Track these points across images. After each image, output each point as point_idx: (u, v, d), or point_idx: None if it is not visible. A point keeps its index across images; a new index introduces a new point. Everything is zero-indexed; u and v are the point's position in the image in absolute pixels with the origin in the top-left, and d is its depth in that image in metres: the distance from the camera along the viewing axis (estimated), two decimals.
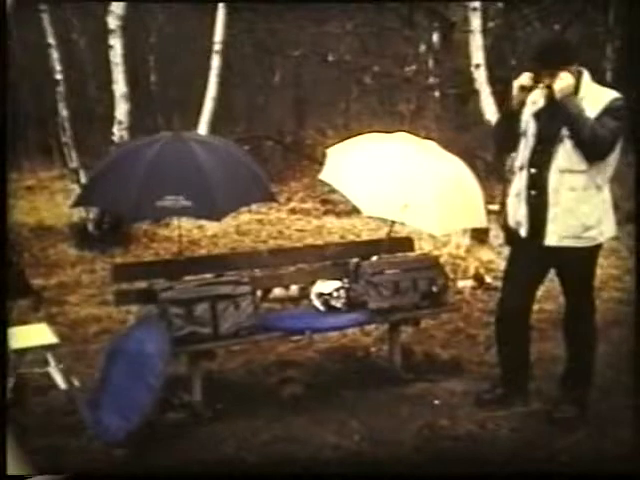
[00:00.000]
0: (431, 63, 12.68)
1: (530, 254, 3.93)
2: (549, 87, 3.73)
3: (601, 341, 4.17)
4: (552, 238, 3.79)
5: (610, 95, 3.73)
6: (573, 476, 3.46)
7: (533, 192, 3.84)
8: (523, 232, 3.90)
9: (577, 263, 3.90)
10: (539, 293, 4.34)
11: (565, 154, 3.74)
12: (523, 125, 3.91)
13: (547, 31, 10.73)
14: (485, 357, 4.93)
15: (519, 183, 3.92)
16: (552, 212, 3.77)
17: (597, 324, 4.08)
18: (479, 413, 4.07)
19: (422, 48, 13.13)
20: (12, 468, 3.18)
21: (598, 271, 4.17)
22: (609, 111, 3.67)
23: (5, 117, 3.55)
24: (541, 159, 3.80)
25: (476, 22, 8.27)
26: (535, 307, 5.59)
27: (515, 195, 3.95)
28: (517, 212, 3.93)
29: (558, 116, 3.74)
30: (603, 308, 5.39)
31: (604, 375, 4.31)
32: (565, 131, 3.72)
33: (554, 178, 3.76)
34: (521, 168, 3.91)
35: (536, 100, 3.89)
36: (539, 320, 5.30)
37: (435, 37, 12.50)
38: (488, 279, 6.75)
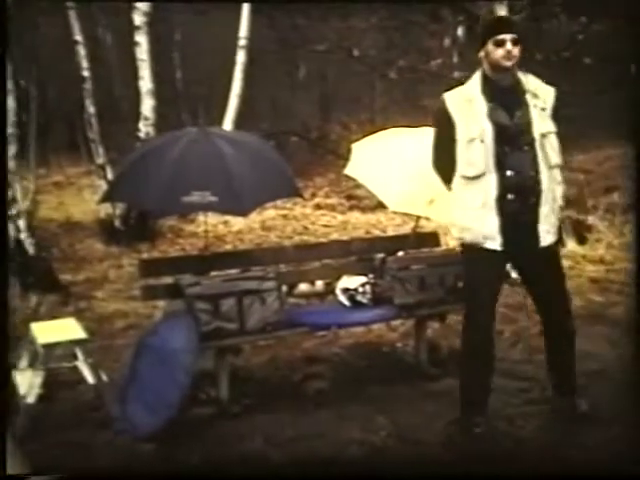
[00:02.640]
0: (456, 57, 12.60)
1: (497, 266, 3.69)
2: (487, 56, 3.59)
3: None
4: (547, 238, 3.63)
5: (550, 89, 3.68)
6: (599, 475, 3.42)
7: (510, 196, 3.55)
8: (495, 245, 3.59)
9: (556, 256, 3.82)
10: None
11: (552, 150, 3.60)
12: (474, 130, 3.55)
13: (573, 24, 10.63)
14: (510, 353, 4.90)
15: (483, 192, 3.55)
16: (543, 211, 3.59)
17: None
18: (506, 409, 4.04)
19: (447, 42, 13.05)
20: (12, 468, 3.22)
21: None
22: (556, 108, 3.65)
23: (5, 116, 3.58)
24: (520, 159, 3.55)
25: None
26: None
27: (479, 207, 3.57)
28: (485, 224, 3.58)
29: (526, 113, 3.59)
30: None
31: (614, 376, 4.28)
32: (550, 127, 3.59)
33: (546, 175, 3.58)
34: (480, 176, 3.55)
35: (471, 97, 3.63)
36: None
37: (460, 31, 12.42)
38: (513, 274, 6.68)
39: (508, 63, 3.57)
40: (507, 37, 3.54)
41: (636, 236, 3.69)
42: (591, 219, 8.22)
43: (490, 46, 3.57)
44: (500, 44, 3.54)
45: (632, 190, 4.46)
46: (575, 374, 3.91)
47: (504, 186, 3.54)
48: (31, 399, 3.89)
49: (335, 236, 9.02)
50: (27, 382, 3.97)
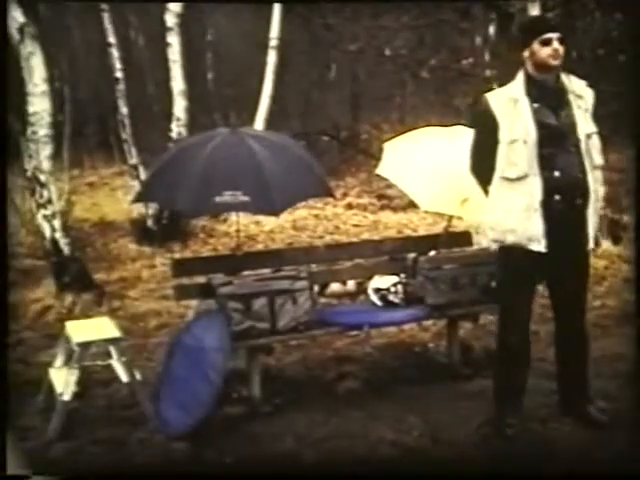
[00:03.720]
0: (488, 56, 12.52)
1: (539, 267, 3.63)
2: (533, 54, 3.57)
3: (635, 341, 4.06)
4: (591, 241, 3.60)
5: (590, 90, 3.66)
6: (631, 478, 3.38)
7: (557, 197, 3.52)
8: (540, 247, 3.53)
9: (588, 258, 3.76)
10: (602, 289, 4.24)
11: (596, 151, 3.59)
12: (519, 131, 3.51)
13: (608, 21, 10.50)
14: (546, 353, 4.84)
15: (527, 194, 3.51)
16: (590, 213, 3.55)
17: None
18: (540, 410, 4.00)
19: (478, 40, 12.98)
20: (12, 468, 3.25)
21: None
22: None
23: (6, 117, 3.61)
24: (567, 160, 3.52)
25: (535, 13, 8.13)
26: (597, 303, 5.53)
27: (523, 209, 3.52)
28: (529, 226, 3.52)
29: (571, 114, 3.57)
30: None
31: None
32: (592, 127, 3.58)
33: (591, 176, 3.55)
34: (522, 177, 3.50)
35: (517, 97, 3.57)
36: (602, 316, 5.20)
37: (492, 29, 12.34)
38: None
39: (555, 62, 3.56)
40: (554, 36, 3.54)
41: (635, 234, 3.66)
42: (626, 218, 8.12)
43: (536, 45, 3.55)
44: (547, 43, 3.54)
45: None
46: (590, 384, 3.87)
47: (551, 187, 3.50)
48: (67, 397, 3.93)
49: (366, 236, 9.00)
50: (63, 380, 4.02)
